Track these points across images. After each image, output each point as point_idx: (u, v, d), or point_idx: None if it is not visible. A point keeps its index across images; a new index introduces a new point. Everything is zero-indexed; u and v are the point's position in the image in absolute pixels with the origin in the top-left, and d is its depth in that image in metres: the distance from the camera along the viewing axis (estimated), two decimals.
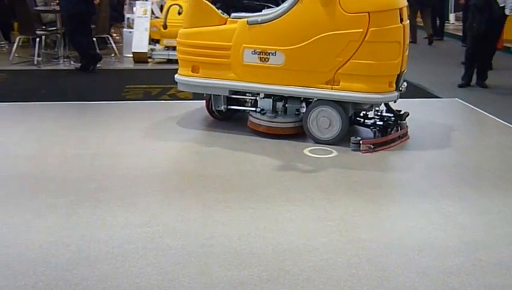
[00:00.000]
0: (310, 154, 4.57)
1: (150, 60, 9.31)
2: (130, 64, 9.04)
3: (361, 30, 4.53)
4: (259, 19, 4.82)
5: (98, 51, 8.88)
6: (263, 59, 4.81)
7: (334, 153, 4.60)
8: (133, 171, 4.13)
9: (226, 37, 4.92)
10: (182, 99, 6.55)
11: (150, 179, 4.00)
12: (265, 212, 3.47)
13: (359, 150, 4.63)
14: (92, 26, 8.80)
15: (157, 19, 9.45)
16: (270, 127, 4.98)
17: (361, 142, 4.66)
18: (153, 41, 9.54)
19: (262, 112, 5.01)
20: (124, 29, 10.10)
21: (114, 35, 10.73)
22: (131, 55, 9.38)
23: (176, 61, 8.92)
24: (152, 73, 8.47)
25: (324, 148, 4.70)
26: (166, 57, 9.29)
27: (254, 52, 4.82)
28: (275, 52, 4.76)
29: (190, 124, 5.45)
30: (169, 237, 3.13)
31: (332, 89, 4.71)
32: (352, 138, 4.72)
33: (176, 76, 5.32)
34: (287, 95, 4.95)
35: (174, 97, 6.67)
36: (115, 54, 9.78)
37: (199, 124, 5.45)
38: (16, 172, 4.13)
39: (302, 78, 4.79)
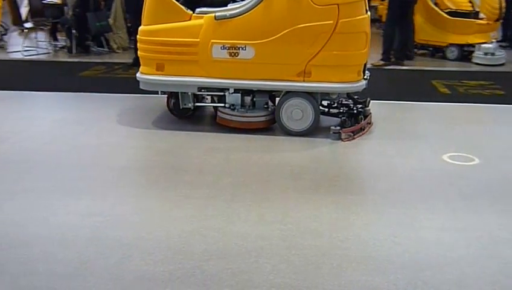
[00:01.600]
0: (450, 161, 4.37)
1: None
2: None
3: (331, 22, 4.62)
4: (227, 13, 4.76)
5: None
6: (233, 54, 4.77)
7: (476, 161, 4.37)
8: (265, 167, 4.19)
9: (192, 33, 4.85)
10: None
11: (284, 176, 4.03)
12: (402, 218, 3.38)
13: (340, 139, 4.76)
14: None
15: None
16: (242, 122, 4.99)
17: (341, 131, 4.79)
18: None
19: (232, 107, 4.98)
20: None
21: None
22: None
23: None
24: None
25: (465, 155, 4.47)
26: None
27: (223, 48, 4.78)
28: (245, 47, 4.74)
29: None
30: (301, 236, 3.15)
31: (304, 80, 4.78)
32: (332, 128, 4.85)
33: (138, 74, 5.16)
34: (258, 89, 4.94)
35: None
36: None
37: None
38: (157, 163, 4.36)
39: (274, 71, 4.82)
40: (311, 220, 3.34)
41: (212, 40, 4.82)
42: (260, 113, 5.03)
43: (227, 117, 5.05)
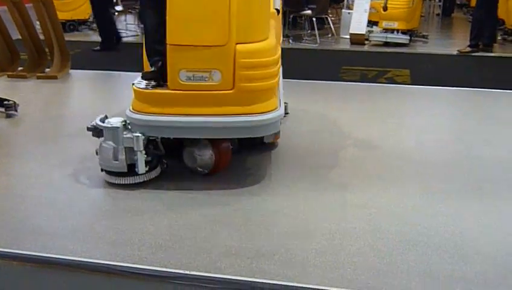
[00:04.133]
0: None
1: (366, 42, 9.27)
2: (346, 46, 9.10)
3: None
4: None
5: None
6: None
7: None
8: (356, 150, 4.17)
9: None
10: (399, 83, 6.41)
11: (370, 161, 3.99)
12: (490, 209, 3.26)
13: None
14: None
15: (377, 1, 9.35)
16: None
17: None
18: (370, 23, 9.49)
19: None
20: (344, 10, 10.17)
21: (331, 16, 10.86)
22: (348, 36, 9.42)
23: (394, 44, 8.96)
24: (369, 55, 8.43)
25: None
26: (384, 40, 9.17)
27: None
28: None
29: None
30: (385, 220, 3.11)
31: None
32: None
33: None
34: None
35: (391, 80, 6.56)
36: (332, 34, 9.90)
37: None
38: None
39: None
40: (396, 206, 3.29)
41: None
42: None
43: None
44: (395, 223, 3.08)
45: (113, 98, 5.74)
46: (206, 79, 3.29)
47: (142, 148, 3.37)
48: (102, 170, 3.53)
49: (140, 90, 3.42)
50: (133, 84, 3.47)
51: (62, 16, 8.70)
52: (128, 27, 10.49)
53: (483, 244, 2.87)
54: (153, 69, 3.45)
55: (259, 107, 3.39)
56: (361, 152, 4.13)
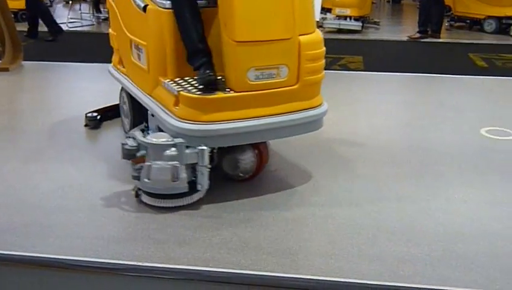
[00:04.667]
0: (487, 135, 4.28)
1: (320, 29, 9.30)
2: None
3: None
4: None
5: None
6: None
7: None
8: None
9: None
10: (352, 69, 6.47)
11: (320, 147, 4.02)
12: (437, 192, 3.33)
13: None
14: None
15: None
16: None
17: None
18: (324, 10, 9.52)
19: None
20: None
21: None
22: None
23: (347, 31, 9.02)
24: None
25: (502, 129, 4.37)
26: (337, 26, 9.23)
27: None
28: None
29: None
30: (336, 206, 3.14)
31: None
32: None
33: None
34: None
35: (345, 67, 6.61)
36: None
37: None
38: None
39: None
40: (347, 192, 3.33)
41: None
42: None
43: None
44: (345, 208, 3.11)
45: (69, 91, 5.60)
46: (274, 76, 3.03)
47: (207, 163, 2.99)
48: (137, 195, 3.09)
49: (199, 97, 2.95)
50: (179, 91, 3.00)
51: (13, 4, 8.43)
52: (83, 16, 10.27)
53: (429, 226, 2.93)
54: (202, 71, 3.00)
55: (317, 100, 3.26)
56: (312, 139, 4.14)
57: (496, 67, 6.65)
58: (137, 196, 3.09)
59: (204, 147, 2.92)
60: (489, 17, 8.74)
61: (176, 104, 3.03)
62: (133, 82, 3.69)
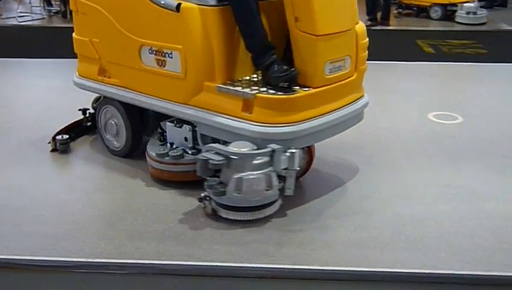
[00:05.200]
0: (435, 120, 4.34)
1: None
2: None
3: None
4: None
5: None
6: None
7: (460, 120, 4.33)
8: None
9: None
10: None
11: None
12: (387, 176, 3.36)
13: None
14: None
15: None
16: None
17: None
18: None
19: None
20: None
21: None
22: None
23: None
24: None
25: (449, 113, 4.44)
26: None
27: None
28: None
29: None
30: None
31: None
32: None
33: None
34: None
35: None
36: None
37: None
38: None
39: None
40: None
41: None
42: None
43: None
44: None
45: (19, 88, 5.41)
46: (342, 68, 2.95)
47: (297, 165, 2.78)
48: (214, 212, 2.83)
49: (284, 97, 2.78)
50: (255, 94, 2.78)
51: None
52: (34, 10, 9.96)
53: (379, 210, 2.97)
54: (277, 68, 2.82)
55: (362, 88, 3.28)
56: None
57: (442, 53, 6.75)
58: (214, 212, 2.83)
59: (295, 150, 2.73)
60: (435, 4, 8.89)
61: (247, 108, 2.80)
62: (142, 92, 3.21)
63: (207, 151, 2.77)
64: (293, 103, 2.80)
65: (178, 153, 3.08)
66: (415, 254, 2.57)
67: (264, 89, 2.84)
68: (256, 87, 2.85)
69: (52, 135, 3.66)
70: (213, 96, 2.90)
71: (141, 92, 3.22)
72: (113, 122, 3.49)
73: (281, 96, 2.78)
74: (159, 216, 2.88)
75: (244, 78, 2.99)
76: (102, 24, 3.28)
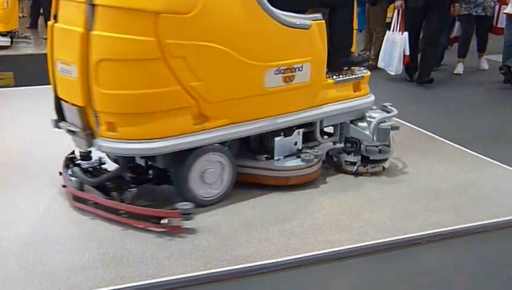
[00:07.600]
0: None
1: None
2: None
3: None
4: None
5: None
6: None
7: None
8: None
9: None
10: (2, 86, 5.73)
11: None
12: None
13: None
14: None
15: None
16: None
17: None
18: None
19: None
20: None
21: None
22: None
23: None
24: None
25: None
26: None
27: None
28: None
29: None
30: None
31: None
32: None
33: None
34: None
35: None
36: None
37: None
38: None
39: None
40: None
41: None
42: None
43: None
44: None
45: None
46: None
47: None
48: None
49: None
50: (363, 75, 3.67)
51: None
52: None
53: None
54: (363, 57, 3.89)
55: None
56: None
57: None
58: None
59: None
60: None
61: (357, 88, 3.62)
62: (262, 117, 3.19)
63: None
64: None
65: (317, 153, 3.44)
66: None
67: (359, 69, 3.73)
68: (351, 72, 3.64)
69: None
70: (335, 88, 3.49)
71: (261, 118, 3.19)
72: (213, 170, 3.12)
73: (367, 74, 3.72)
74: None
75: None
76: (214, 61, 2.93)
